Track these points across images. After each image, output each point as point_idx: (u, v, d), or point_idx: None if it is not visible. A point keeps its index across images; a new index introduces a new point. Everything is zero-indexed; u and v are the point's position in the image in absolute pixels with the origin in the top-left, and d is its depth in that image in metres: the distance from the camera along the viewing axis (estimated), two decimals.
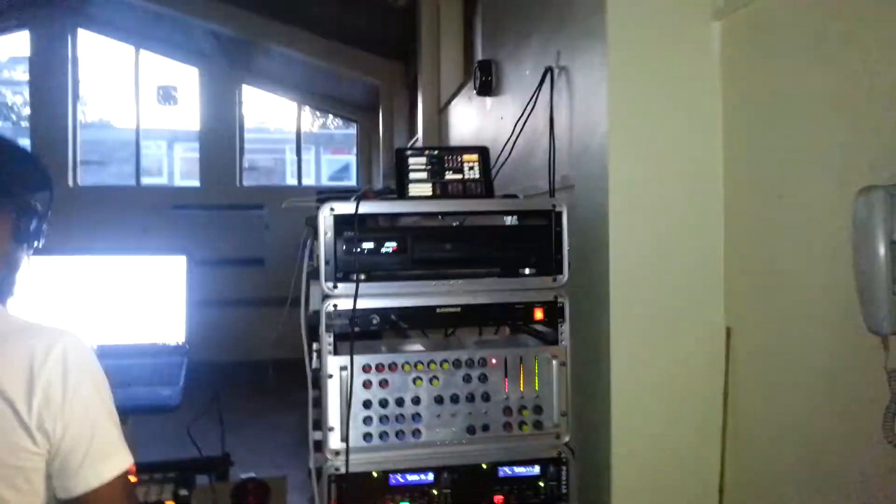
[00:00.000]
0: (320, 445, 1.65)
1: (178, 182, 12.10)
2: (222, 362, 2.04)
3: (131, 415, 1.50)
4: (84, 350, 1.02)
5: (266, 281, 8.06)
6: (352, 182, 11.66)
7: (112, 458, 1.02)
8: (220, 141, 9.17)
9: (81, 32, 9.05)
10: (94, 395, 1.02)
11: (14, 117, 14.95)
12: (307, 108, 10.44)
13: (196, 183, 9.53)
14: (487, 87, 3.64)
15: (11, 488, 0.94)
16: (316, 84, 9.49)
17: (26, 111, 14.37)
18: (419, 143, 5.64)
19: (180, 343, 1.75)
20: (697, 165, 1.94)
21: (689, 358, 1.92)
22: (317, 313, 1.78)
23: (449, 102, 5.10)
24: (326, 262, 1.65)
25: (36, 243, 1.13)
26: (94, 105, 9.30)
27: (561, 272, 1.76)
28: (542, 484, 1.68)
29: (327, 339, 1.63)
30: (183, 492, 1.64)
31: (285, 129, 13.11)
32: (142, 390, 1.55)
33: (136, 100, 9.26)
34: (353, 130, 11.07)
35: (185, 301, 1.76)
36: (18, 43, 9.35)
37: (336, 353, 1.64)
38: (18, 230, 1.08)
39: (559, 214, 1.76)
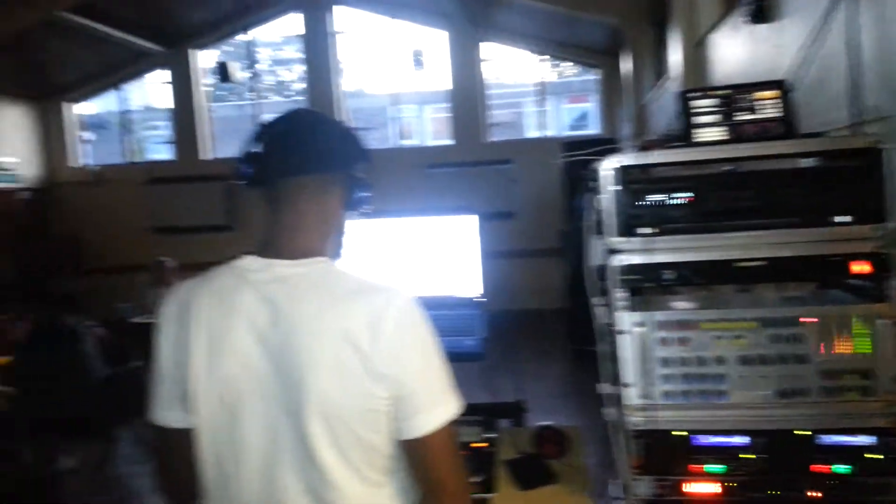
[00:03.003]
0: (615, 399, 1.65)
1: (430, 142, 12.84)
2: (493, 311, 2.12)
3: None
4: (415, 306, 1.11)
5: (518, 233, 8.30)
6: (591, 130, 11.41)
7: (444, 404, 1.10)
8: (468, 99, 9.50)
9: (336, 9, 9.87)
10: (426, 346, 1.11)
11: (287, 92, 17.02)
12: (543, 59, 10.29)
13: (446, 141, 10.03)
14: (762, 14, 3.27)
15: (368, 428, 1.07)
16: (554, 32, 9.33)
17: (296, 86, 16.26)
18: (673, 84, 5.28)
19: (477, 296, 1.86)
20: None
21: None
22: (600, 268, 1.77)
23: (706, 35, 4.68)
24: (613, 216, 1.62)
25: (363, 209, 1.25)
26: (349, 75, 10.15)
27: (883, 220, 1.54)
28: (873, 456, 1.51)
29: (620, 295, 1.61)
30: (488, 434, 1.75)
31: (522, 81, 13.17)
32: (447, 340, 1.68)
33: (390, 67, 9.93)
34: (591, 77, 10.74)
35: (480, 257, 1.86)
36: (289, 24, 10.49)
37: (628, 308, 1.62)
38: (348, 199, 1.21)
39: (879, 153, 1.53)
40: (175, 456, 1.17)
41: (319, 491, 1.06)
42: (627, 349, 1.60)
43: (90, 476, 4.46)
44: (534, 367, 5.71)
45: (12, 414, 4.14)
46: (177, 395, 1.13)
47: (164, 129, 11.30)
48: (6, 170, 9.61)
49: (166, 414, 1.16)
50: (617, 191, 1.62)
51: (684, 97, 1.75)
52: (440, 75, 9.81)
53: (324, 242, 1.18)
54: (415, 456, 1.10)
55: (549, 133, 10.13)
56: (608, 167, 1.64)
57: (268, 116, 1.22)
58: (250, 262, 1.13)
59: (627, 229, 1.62)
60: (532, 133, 11.65)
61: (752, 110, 1.71)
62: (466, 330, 1.78)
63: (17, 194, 9.59)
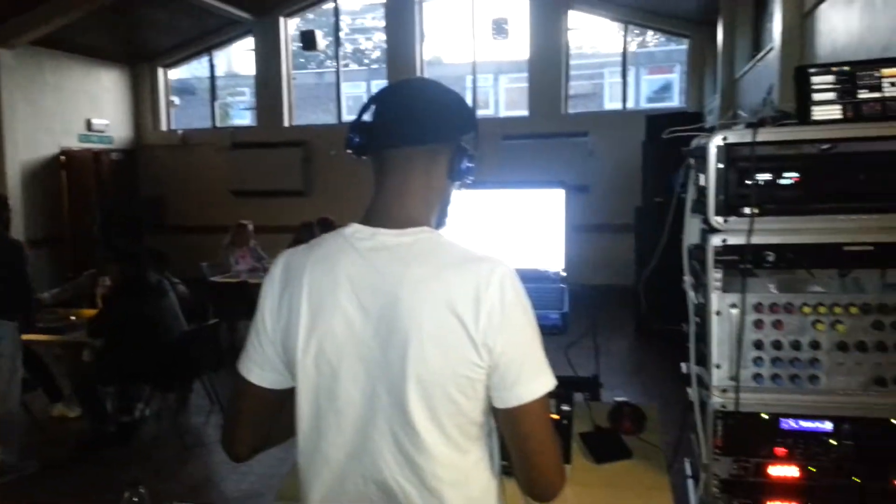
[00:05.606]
0: (701, 380, 1.62)
1: (503, 112, 12.71)
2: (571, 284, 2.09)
3: None
4: (515, 278, 1.10)
5: (593, 208, 8.16)
6: (672, 103, 11.06)
7: (541, 378, 1.10)
8: (547, 69, 9.33)
9: None
10: (525, 319, 1.10)
11: (366, 61, 17.08)
12: (628, 28, 9.97)
13: (521, 112, 9.90)
14: None
15: (462, 394, 1.08)
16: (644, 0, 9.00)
17: (374, 55, 16.27)
18: (774, 56, 5.01)
19: (560, 271, 1.85)
20: None
21: None
22: (695, 247, 1.71)
23: (817, 5, 4.38)
24: (714, 195, 1.56)
25: (466, 180, 1.23)
26: (429, 44, 10.12)
27: None
28: None
29: (715, 276, 1.57)
30: (565, 407, 1.74)
31: (601, 51, 12.80)
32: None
33: (469, 35, 9.85)
34: (676, 47, 10.37)
35: (564, 231, 1.84)
36: None
37: (722, 289, 1.57)
38: (453, 169, 1.19)
39: None
40: (253, 411, 1.21)
41: (410, 452, 1.09)
42: (717, 330, 1.56)
43: (166, 423, 4.73)
44: (602, 343, 5.70)
45: (99, 364, 4.35)
46: (275, 356, 1.17)
47: (247, 96, 11.61)
48: (99, 131, 10.13)
49: (259, 372, 1.18)
50: (720, 168, 1.56)
51: (803, 73, 1.65)
52: (518, 44, 9.65)
53: (429, 212, 1.19)
54: (510, 424, 1.11)
55: (630, 105, 9.85)
56: (715, 144, 1.57)
57: (380, 86, 1.21)
58: (356, 230, 1.15)
59: (729, 209, 1.56)
60: (611, 105, 11.37)
61: (877, 88, 1.60)
62: (550, 304, 1.77)
63: (108, 155, 10.08)
